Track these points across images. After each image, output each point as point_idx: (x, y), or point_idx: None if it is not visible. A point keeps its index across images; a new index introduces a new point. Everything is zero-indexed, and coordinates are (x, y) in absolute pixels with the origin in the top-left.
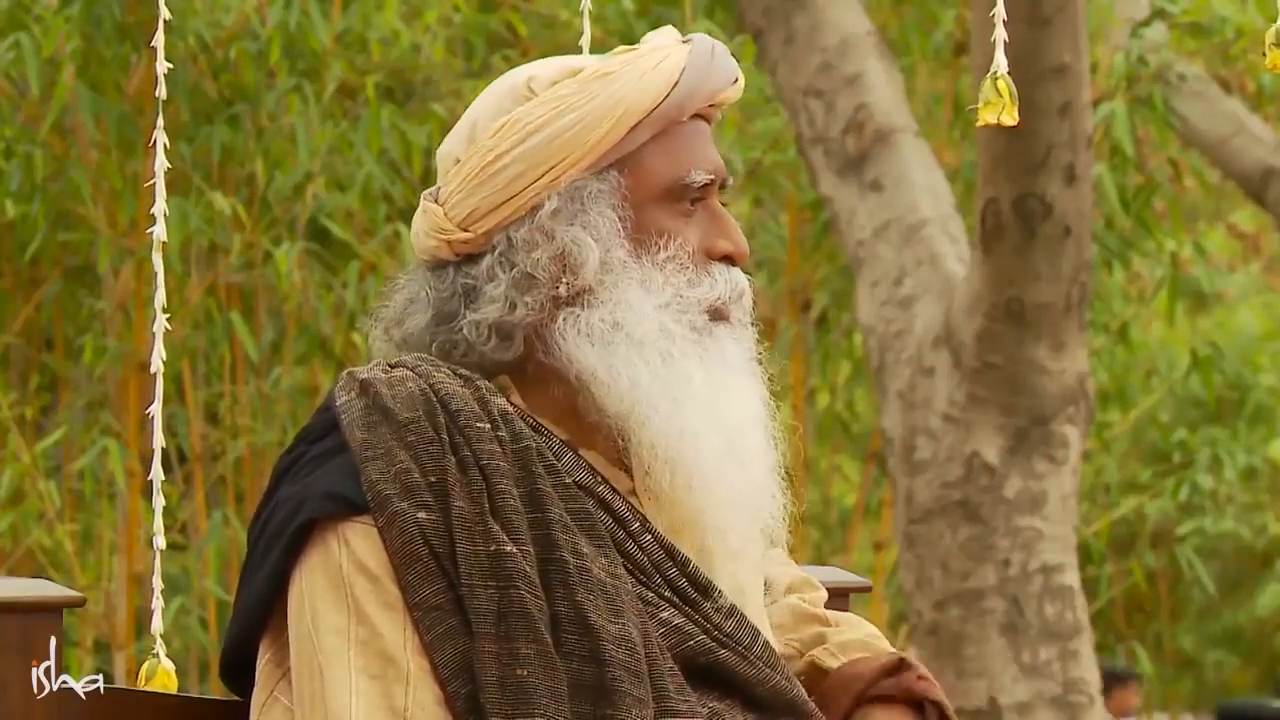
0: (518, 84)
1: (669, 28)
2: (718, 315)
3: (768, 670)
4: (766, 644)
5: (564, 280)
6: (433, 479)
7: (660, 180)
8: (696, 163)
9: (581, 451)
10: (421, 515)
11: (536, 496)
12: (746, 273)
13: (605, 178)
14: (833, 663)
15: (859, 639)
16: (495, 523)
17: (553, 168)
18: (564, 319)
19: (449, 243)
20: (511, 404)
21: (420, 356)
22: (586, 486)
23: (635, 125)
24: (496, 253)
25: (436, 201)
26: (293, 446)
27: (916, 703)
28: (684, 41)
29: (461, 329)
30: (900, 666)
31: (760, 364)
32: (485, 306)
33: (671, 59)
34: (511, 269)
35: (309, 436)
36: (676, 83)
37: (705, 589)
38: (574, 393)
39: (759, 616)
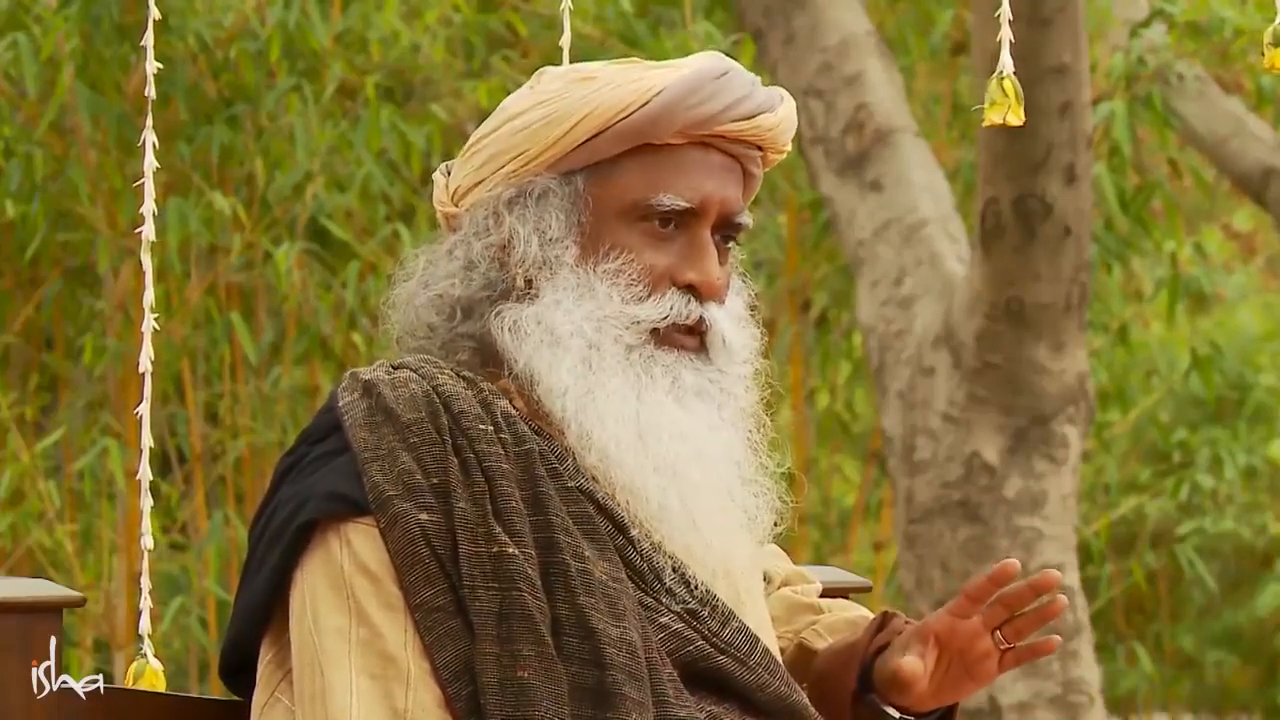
0: (534, 78)
1: (715, 53)
2: (664, 340)
3: (767, 676)
4: (766, 650)
5: (499, 270)
6: (435, 480)
7: (627, 196)
8: (672, 187)
9: None
10: (424, 516)
11: (539, 499)
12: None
13: (569, 180)
14: (820, 643)
15: (846, 619)
16: (497, 524)
17: (517, 157)
18: (496, 313)
19: (444, 215)
20: (514, 408)
21: (424, 358)
22: (587, 491)
23: (599, 133)
24: (461, 231)
25: (448, 173)
26: (294, 448)
27: None
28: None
29: (438, 302)
30: (885, 619)
31: (751, 408)
32: (440, 282)
33: (655, 75)
34: (465, 248)
35: (310, 437)
36: (648, 102)
37: (704, 596)
38: None
39: (760, 624)
